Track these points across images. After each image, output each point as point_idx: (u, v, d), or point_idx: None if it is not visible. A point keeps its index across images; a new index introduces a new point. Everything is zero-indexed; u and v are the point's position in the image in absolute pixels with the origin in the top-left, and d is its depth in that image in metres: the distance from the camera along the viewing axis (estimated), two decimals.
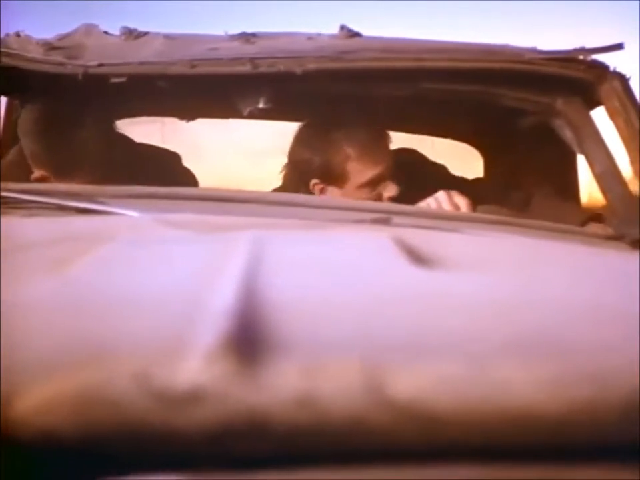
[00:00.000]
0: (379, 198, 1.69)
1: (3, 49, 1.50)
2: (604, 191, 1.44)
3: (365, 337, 0.51)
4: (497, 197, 1.80)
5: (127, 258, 0.77)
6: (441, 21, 4.27)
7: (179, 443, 0.43)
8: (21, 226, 1.00)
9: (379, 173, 1.69)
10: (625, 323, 0.57)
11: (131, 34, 1.63)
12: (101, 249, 0.77)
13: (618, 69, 1.49)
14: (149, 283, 0.65)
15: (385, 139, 1.76)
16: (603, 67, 1.49)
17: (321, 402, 0.44)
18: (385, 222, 1.12)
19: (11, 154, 1.78)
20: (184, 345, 0.46)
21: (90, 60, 1.47)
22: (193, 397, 0.43)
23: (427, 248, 0.84)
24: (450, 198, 1.55)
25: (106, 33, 1.69)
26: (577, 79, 1.48)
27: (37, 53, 1.51)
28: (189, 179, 1.93)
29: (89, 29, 1.68)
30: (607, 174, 1.43)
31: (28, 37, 1.60)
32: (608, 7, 3.93)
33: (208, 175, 2.11)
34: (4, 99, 1.89)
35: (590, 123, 1.48)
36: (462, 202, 1.56)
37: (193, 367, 0.44)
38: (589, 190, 1.80)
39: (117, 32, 1.69)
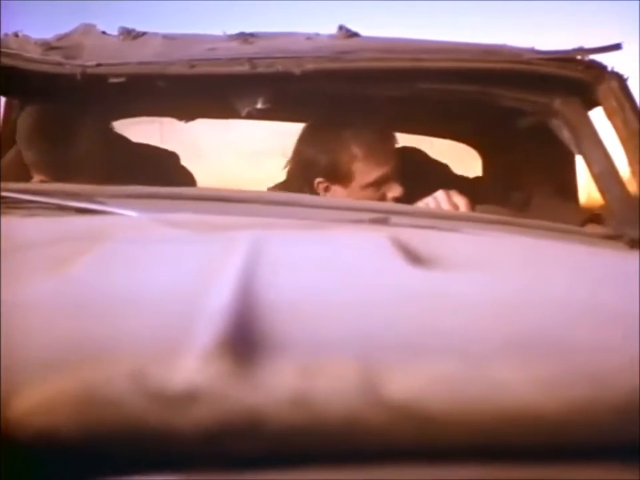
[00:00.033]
0: (383, 198, 1.70)
1: (2, 49, 1.50)
2: (602, 191, 1.44)
3: (361, 337, 0.51)
4: (496, 196, 1.80)
5: (125, 258, 0.77)
6: (440, 21, 4.28)
7: (175, 442, 0.43)
8: (20, 226, 1.00)
9: (383, 173, 1.70)
10: (623, 323, 0.57)
11: (129, 34, 1.63)
12: (99, 248, 0.77)
13: (616, 69, 1.49)
14: (148, 282, 0.65)
15: (391, 140, 1.76)
16: (600, 67, 1.49)
17: (317, 402, 0.44)
18: (383, 222, 1.12)
19: (10, 154, 1.78)
20: (181, 344, 0.46)
21: (88, 60, 1.47)
22: (189, 396, 0.43)
23: (425, 248, 0.84)
24: (449, 197, 1.55)
25: (104, 33, 1.69)
26: (575, 79, 1.48)
27: (35, 53, 1.51)
28: (187, 178, 1.93)
29: (87, 28, 1.67)
30: (605, 174, 1.43)
31: (26, 37, 1.60)
32: (608, 6, 3.93)
33: (206, 175, 2.12)
34: (3, 99, 1.89)
35: (588, 123, 1.48)
36: (461, 201, 1.56)
37: (189, 366, 0.44)
38: (588, 190, 1.80)
39: (116, 32, 1.69)
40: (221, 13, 4.14)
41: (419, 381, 0.45)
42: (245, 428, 0.43)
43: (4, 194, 1.13)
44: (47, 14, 3.66)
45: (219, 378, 0.44)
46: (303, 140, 1.77)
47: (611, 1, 3.82)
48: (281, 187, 1.82)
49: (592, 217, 1.50)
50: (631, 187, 1.43)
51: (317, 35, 1.65)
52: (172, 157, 1.97)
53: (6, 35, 1.61)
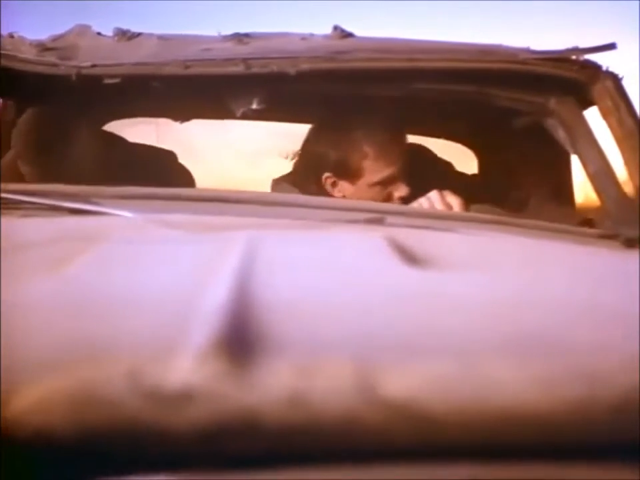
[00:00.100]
0: (389, 197, 1.71)
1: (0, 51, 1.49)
2: (597, 190, 1.44)
3: (357, 337, 0.51)
4: (491, 196, 1.80)
5: (122, 258, 0.77)
6: (439, 21, 4.28)
7: (172, 442, 0.43)
8: (18, 226, 1.00)
9: (392, 173, 1.71)
10: (617, 322, 0.57)
11: (124, 35, 1.63)
12: (96, 249, 0.77)
13: (611, 69, 1.50)
14: (144, 282, 0.65)
15: (402, 141, 1.77)
16: (595, 67, 1.49)
17: (314, 401, 0.44)
18: (378, 222, 1.12)
19: (8, 157, 1.77)
20: (177, 344, 0.46)
21: (83, 61, 1.47)
22: (185, 396, 0.43)
23: (421, 248, 0.84)
24: (442, 197, 1.56)
25: (99, 34, 1.69)
26: (570, 78, 1.49)
27: (30, 54, 1.51)
28: (185, 177, 1.94)
29: (83, 29, 1.67)
30: (601, 174, 1.43)
31: (21, 38, 1.60)
32: (607, 6, 3.94)
33: (203, 176, 2.11)
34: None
35: (583, 122, 1.49)
36: (454, 201, 1.56)
37: (185, 366, 0.44)
38: (585, 190, 1.80)
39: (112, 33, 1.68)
40: (217, 14, 4.14)
41: (416, 381, 0.46)
42: (241, 428, 0.43)
43: (2, 195, 1.13)
44: (46, 14, 3.66)
45: (215, 377, 0.44)
46: (313, 135, 1.78)
47: (610, 0, 3.83)
48: (287, 178, 1.82)
49: (585, 221, 1.50)
50: (627, 187, 1.43)
51: (312, 35, 1.66)
52: (169, 156, 1.97)
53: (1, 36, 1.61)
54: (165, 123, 1.97)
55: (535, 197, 1.89)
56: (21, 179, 1.59)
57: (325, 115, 1.77)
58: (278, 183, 1.81)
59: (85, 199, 1.15)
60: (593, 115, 1.51)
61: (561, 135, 1.50)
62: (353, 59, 1.49)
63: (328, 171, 1.73)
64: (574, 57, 1.49)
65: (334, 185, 1.74)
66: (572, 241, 1.20)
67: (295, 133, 1.91)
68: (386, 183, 1.71)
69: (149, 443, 0.43)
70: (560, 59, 1.49)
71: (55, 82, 1.48)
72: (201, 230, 0.94)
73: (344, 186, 1.73)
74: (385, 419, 0.44)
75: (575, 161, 1.72)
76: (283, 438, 0.44)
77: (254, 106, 1.47)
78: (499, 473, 0.45)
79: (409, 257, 0.77)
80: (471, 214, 1.50)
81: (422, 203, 1.57)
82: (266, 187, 1.89)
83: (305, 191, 1.68)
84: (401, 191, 1.70)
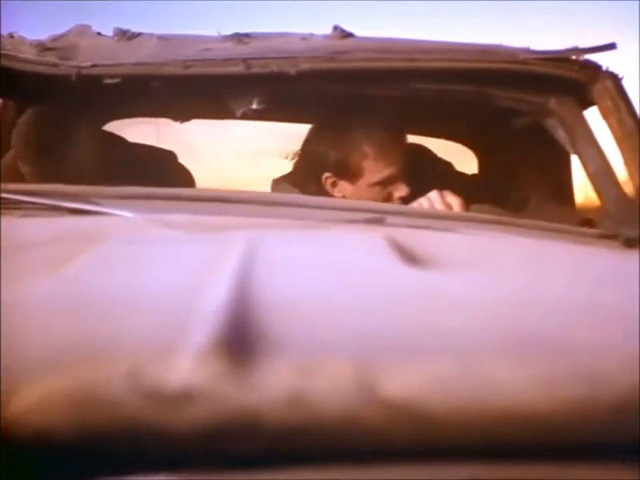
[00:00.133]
0: (389, 197, 1.71)
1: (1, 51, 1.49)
2: (597, 190, 1.44)
3: (357, 337, 0.51)
4: (491, 196, 1.80)
5: (122, 258, 0.77)
6: (439, 21, 4.28)
7: (171, 442, 0.43)
8: (18, 226, 1.00)
9: (392, 173, 1.71)
10: (617, 322, 0.57)
11: (124, 35, 1.63)
12: (96, 249, 0.77)
13: (611, 69, 1.50)
14: (144, 283, 0.65)
15: (402, 141, 1.77)
16: (595, 67, 1.49)
17: (313, 401, 0.44)
18: (378, 222, 1.12)
19: (8, 157, 1.77)
20: (177, 344, 0.46)
21: (83, 61, 1.47)
22: (185, 396, 0.43)
23: (421, 248, 0.84)
24: (442, 197, 1.56)
25: (99, 34, 1.69)
26: (570, 78, 1.49)
27: (30, 54, 1.51)
28: (185, 177, 1.94)
29: (83, 29, 1.67)
30: (601, 173, 1.43)
31: (21, 38, 1.60)
32: (607, 6, 3.94)
33: (203, 176, 2.11)
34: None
35: (583, 122, 1.49)
36: (454, 201, 1.56)
37: (185, 366, 0.44)
38: (585, 190, 1.80)
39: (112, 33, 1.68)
40: (217, 14, 4.14)
41: (416, 381, 0.46)
42: (241, 427, 0.43)
43: (2, 195, 1.13)
44: (46, 14, 3.66)
45: (215, 377, 0.44)
46: (313, 135, 1.78)
47: (610, 0, 3.83)
48: (287, 178, 1.82)
49: (585, 221, 1.50)
50: (627, 187, 1.43)
51: (312, 35, 1.66)
52: (169, 156, 1.98)
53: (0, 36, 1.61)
54: (165, 123, 1.98)
55: (534, 197, 1.89)
56: (20, 179, 1.59)
57: (325, 115, 1.77)
58: (278, 183, 1.81)
59: (85, 199, 1.15)
60: (593, 115, 1.51)
61: (560, 134, 1.50)
62: (353, 59, 1.49)
63: (328, 171, 1.73)
64: (574, 57, 1.49)
65: (334, 184, 1.74)
66: (572, 240, 1.20)
67: (295, 133, 1.91)
68: (386, 182, 1.71)
69: (149, 442, 0.43)
70: (560, 58, 1.49)
71: (54, 82, 1.48)
72: (201, 230, 0.94)
73: (344, 186, 1.74)
74: (385, 419, 0.44)
75: (575, 161, 1.72)
76: (283, 438, 0.44)
77: (254, 106, 1.47)
78: (499, 473, 0.45)
79: (409, 256, 0.77)
80: (471, 214, 1.50)
81: (422, 202, 1.57)
82: (266, 187, 1.89)
83: (305, 191, 1.68)
84: (401, 191, 1.71)
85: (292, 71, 1.43)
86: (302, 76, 1.44)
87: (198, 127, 2.03)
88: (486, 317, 0.57)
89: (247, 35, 1.60)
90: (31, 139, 1.63)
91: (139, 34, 1.64)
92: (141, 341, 0.48)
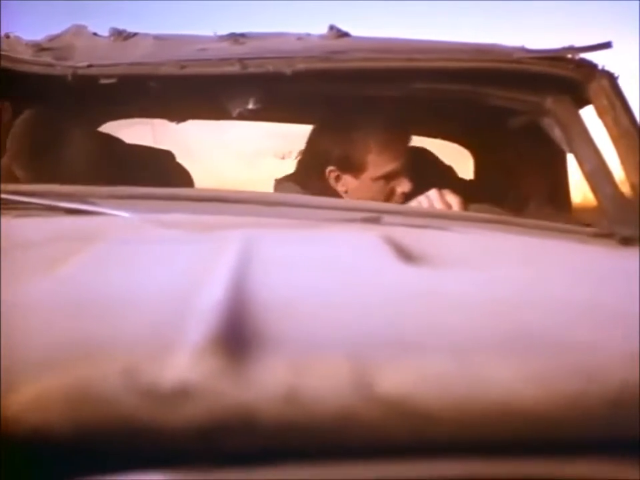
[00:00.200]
0: (392, 192, 1.71)
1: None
2: (594, 189, 1.44)
3: (353, 334, 0.51)
4: (487, 195, 1.80)
5: (119, 257, 0.77)
6: (439, 21, 4.29)
7: (168, 439, 0.43)
8: (15, 226, 1.00)
9: (395, 167, 1.71)
10: (616, 320, 0.58)
11: (120, 35, 1.63)
12: (93, 249, 0.77)
13: (607, 68, 1.50)
14: (141, 282, 0.66)
15: (406, 137, 1.77)
16: (591, 66, 1.49)
17: (309, 398, 0.44)
18: (375, 221, 1.12)
19: (4, 159, 1.77)
20: (173, 342, 0.46)
21: (79, 61, 1.47)
22: (181, 393, 0.43)
23: (418, 246, 0.84)
24: (442, 196, 1.56)
25: (95, 34, 1.69)
26: (566, 77, 1.48)
27: (26, 54, 1.51)
28: (183, 176, 1.93)
29: (79, 30, 1.67)
30: (597, 172, 1.43)
31: (17, 38, 1.59)
32: (607, 6, 3.94)
33: (201, 176, 2.11)
34: None
35: (579, 121, 1.49)
36: (453, 200, 1.56)
37: (181, 363, 0.44)
38: (583, 189, 1.80)
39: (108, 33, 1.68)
40: (213, 14, 4.14)
41: (411, 377, 0.46)
42: (237, 424, 0.43)
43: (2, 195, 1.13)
44: (46, 14, 3.66)
45: (212, 375, 0.44)
46: (316, 134, 1.78)
47: (610, 0, 3.84)
48: (290, 178, 1.82)
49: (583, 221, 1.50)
50: (623, 186, 1.43)
51: (308, 35, 1.66)
52: (167, 156, 1.97)
53: None
54: (162, 124, 1.98)
55: (531, 196, 1.89)
56: (17, 180, 1.58)
57: (324, 114, 1.77)
58: (280, 183, 1.81)
59: (82, 199, 1.15)
60: (588, 114, 1.52)
61: (556, 133, 1.50)
62: (349, 58, 1.49)
63: (332, 165, 1.73)
64: (569, 56, 1.49)
65: (337, 178, 1.74)
66: (568, 239, 1.21)
67: (292, 134, 1.91)
68: (389, 177, 1.71)
69: (146, 439, 0.43)
70: (555, 57, 1.49)
71: (51, 82, 1.48)
72: (197, 229, 0.94)
73: (347, 180, 1.73)
74: (381, 416, 0.44)
75: (571, 159, 1.72)
76: (279, 434, 0.44)
77: (250, 106, 1.47)
78: (496, 469, 0.45)
79: (406, 255, 0.78)
80: (469, 213, 1.50)
81: (421, 201, 1.57)
82: (263, 187, 1.89)
83: (308, 188, 1.68)
84: (403, 186, 1.71)
85: (288, 70, 1.43)
86: (298, 76, 1.43)
87: (194, 127, 2.03)
88: (482, 314, 0.57)
89: (242, 35, 1.60)
90: (25, 142, 1.63)
91: (135, 34, 1.64)
92: (137, 339, 0.48)
